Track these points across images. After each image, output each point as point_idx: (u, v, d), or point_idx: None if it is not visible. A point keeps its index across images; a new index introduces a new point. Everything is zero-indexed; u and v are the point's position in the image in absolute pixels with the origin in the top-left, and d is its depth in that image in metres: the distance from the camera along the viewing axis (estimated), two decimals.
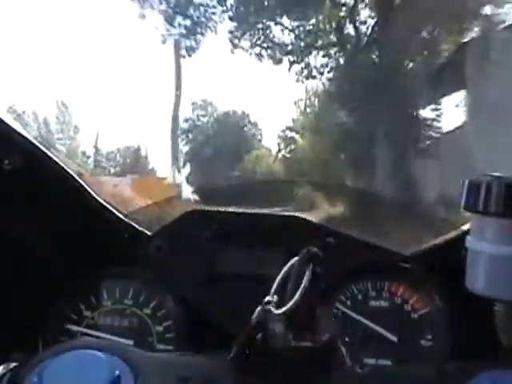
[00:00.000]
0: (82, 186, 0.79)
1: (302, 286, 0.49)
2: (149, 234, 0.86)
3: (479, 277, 0.54)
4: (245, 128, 23.31)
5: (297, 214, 0.88)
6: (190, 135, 22.65)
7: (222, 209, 0.90)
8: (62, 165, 0.75)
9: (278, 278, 0.54)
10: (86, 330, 0.76)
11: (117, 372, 0.47)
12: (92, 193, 0.80)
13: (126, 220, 0.86)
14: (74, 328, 0.77)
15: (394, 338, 0.75)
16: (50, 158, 0.73)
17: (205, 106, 23.52)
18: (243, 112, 23.98)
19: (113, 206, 0.84)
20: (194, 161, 21.26)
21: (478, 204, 0.52)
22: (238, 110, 24.02)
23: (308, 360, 0.50)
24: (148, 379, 0.49)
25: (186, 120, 22.74)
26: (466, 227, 0.62)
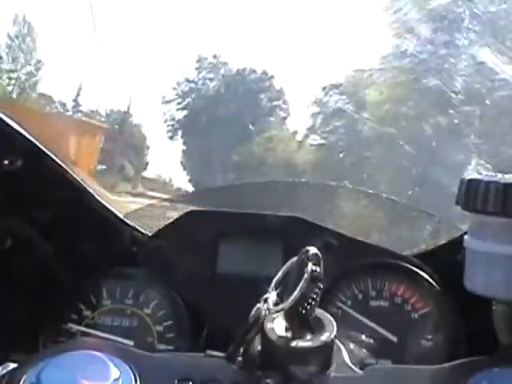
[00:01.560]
0: (83, 187, 0.79)
1: (300, 285, 0.49)
2: (149, 234, 0.87)
3: (477, 276, 0.54)
4: (261, 96, 15.73)
5: (297, 214, 0.88)
6: (188, 99, 16.45)
7: (222, 209, 0.90)
8: (62, 165, 0.75)
9: (276, 277, 0.54)
10: (86, 329, 0.77)
11: (116, 373, 0.47)
12: (92, 193, 0.80)
13: (126, 220, 0.86)
14: (74, 328, 0.77)
15: (394, 338, 0.75)
16: (50, 157, 0.73)
17: (215, 65, 16.34)
18: (264, 72, 15.74)
19: (113, 207, 0.85)
20: (187, 133, 15.91)
21: (477, 203, 0.52)
22: (257, 69, 15.72)
23: (308, 360, 0.50)
24: (148, 380, 0.49)
25: (188, 80, 16.29)
26: (466, 227, 0.62)
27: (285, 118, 15.01)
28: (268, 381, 0.49)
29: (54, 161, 0.74)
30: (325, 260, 0.53)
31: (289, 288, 0.51)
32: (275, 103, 15.60)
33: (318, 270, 0.52)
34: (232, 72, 15.95)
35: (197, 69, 16.45)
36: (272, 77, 15.74)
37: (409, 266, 0.80)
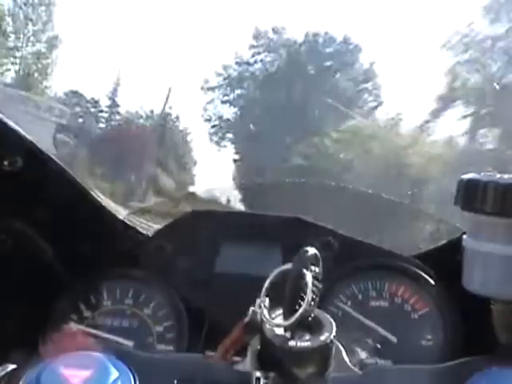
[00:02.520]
0: (83, 187, 0.79)
1: (304, 304, 0.49)
2: (149, 234, 0.87)
3: (475, 276, 0.54)
4: (341, 79, 10.81)
5: (297, 214, 0.88)
6: (239, 90, 12.23)
7: (222, 209, 0.90)
8: (62, 165, 0.75)
9: (268, 280, 0.54)
10: (86, 329, 0.77)
11: (116, 373, 0.48)
12: (92, 193, 0.81)
13: (126, 221, 0.86)
14: (74, 328, 0.77)
15: (394, 338, 0.76)
16: (50, 158, 0.73)
17: (276, 41, 11.72)
18: (346, 41, 10.53)
19: (113, 207, 0.85)
20: (237, 130, 12.30)
21: (475, 203, 0.52)
22: (337, 36, 10.72)
23: (307, 360, 0.50)
24: (147, 380, 0.49)
25: (240, 63, 12.35)
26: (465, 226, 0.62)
27: (374, 108, 10.16)
28: (267, 381, 0.49)
29: (53, 161, 0.74)
30: (324, 260, 0.53)
31: (287, 289, 0.51)
32: (362, 85, 10.64)
33: (317, 270, 0.52)
34: (298, 44, 10.70)
35: (253, 46, 12.19)
36: (357, 48, 10.51)
37: (409, 266, 0.80)
